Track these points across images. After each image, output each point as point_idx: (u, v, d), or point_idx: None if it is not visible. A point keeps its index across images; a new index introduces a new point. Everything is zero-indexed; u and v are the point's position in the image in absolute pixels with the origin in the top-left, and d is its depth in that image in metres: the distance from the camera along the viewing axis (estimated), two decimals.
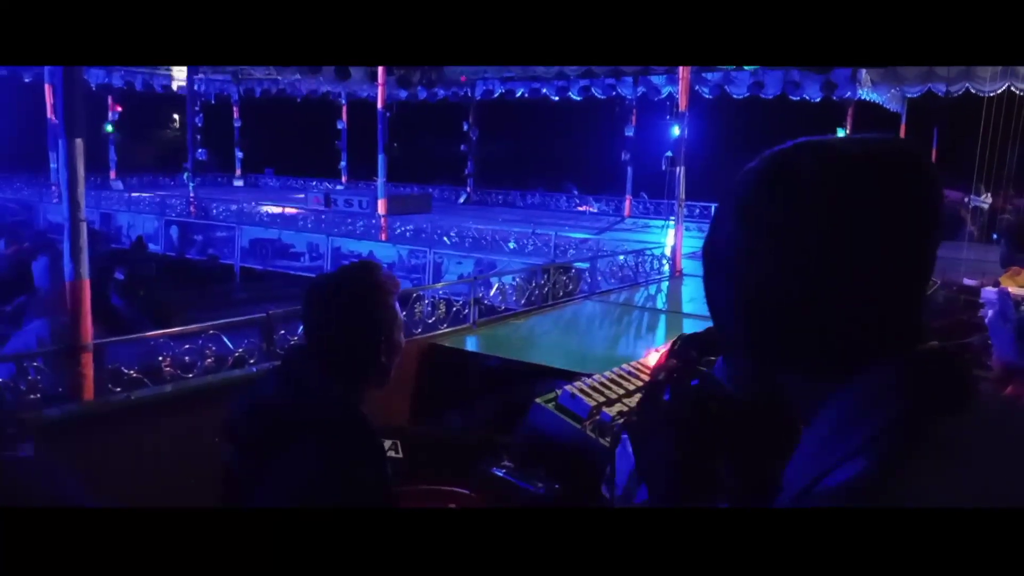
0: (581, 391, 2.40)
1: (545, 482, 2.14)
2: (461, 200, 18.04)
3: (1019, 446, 0.67)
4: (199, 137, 13.97)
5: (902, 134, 14.12)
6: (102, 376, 2.80)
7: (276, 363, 2.87)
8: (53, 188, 15.05)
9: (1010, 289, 2.29)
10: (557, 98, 15.77)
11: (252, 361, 3.32)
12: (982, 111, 8.44)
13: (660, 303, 6.09)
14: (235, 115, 19.65)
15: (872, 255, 0.66)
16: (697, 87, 12.67)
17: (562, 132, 20.25)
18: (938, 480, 0.60)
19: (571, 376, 2.85)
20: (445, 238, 10.87)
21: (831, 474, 0.62)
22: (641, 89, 14.56)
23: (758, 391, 0.79)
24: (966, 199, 12.44)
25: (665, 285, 6.72)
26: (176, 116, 26.21)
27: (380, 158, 10.74)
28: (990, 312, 2.10)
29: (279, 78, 17.30)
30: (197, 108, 14.56)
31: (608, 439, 2.24)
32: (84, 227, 2.69)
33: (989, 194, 13.03)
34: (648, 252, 7.18)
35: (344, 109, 18.90)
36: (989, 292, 2.18)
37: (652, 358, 2.66)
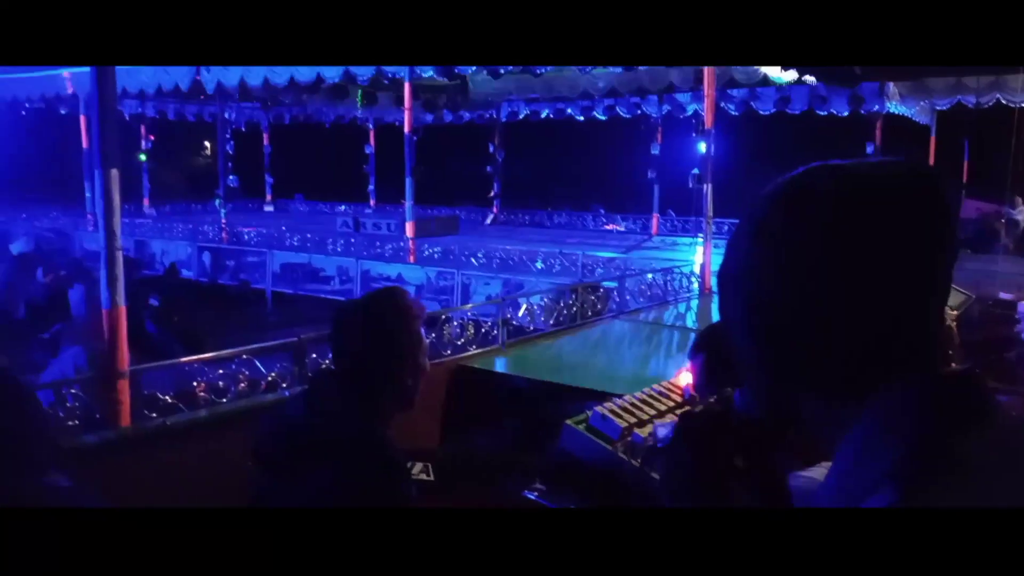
0: (612, 412, 2.39)
1: (577, 504, 2.13)
2: (488, 221, 18.10)
3: None
4: (230, 164, 14.19)
5: (932, 147, 13.95)
6: (138, 402, 2.84)
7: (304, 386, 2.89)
8: (88, 217, 15.35)
9: None
10: (582, 118, 15.81)
11: (285, 385, 3.35)
12: (1014, 122, 8.32)
13: (690, 321, 6.05)
14: (265, 142, 19.94)
15: (887, 277, 0.66)
16: (723, 104, 12.63)
17: (587, 151, 20.27)
18: (964, 504, 0.59)
19: (601, 396, 2.84)
20: (472, 259, 10.90)
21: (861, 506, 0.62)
22: (666, 107, 14.55)
23: (776, 414, 0.79)
24: (1000, 212, 12.23)
25: (695, 303, 6.68)
26: (207, 144, 26.65)
27: (408, 181, 10.83)
28: None
29: (307, 105, 17.55)
30: (228, 136, 14.80)
31: (640, 460, 2.22)
32: (120, 255, 2.75)
33: None
34: (677, 270, 7.15)
35: (371, 134, 19.11)
36: None
37: (684, 378, 2.64)
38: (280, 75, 11.10)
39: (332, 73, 10.97)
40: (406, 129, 10.95)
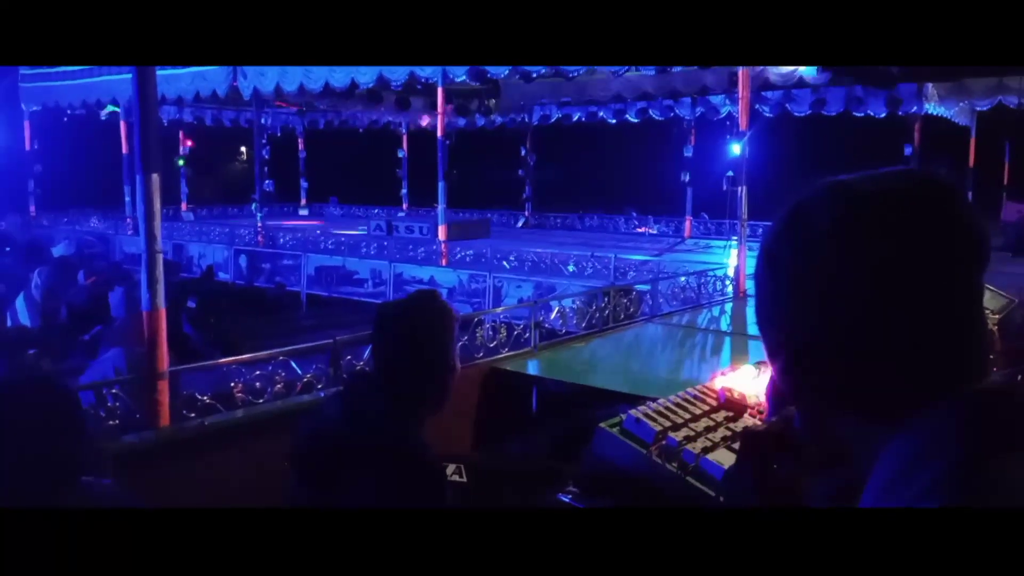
0: (646, 416, 2.38)
1: (611, 507, 2.12)
2: (519, 224, 18.13)
3: None
4: (266, 169, 14.38)
5: (972, 149, 13.68)
6: (177, 403, 2.89)
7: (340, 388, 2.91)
8: (128, 221, 15.65)
9: None
10: (614, 121, 15.76)
11: (320, 386, 3.38)
12: None
13: (724, 325, 5.99)
14: (300, 147, 20.18)
15: (904, 294, 0.64)
16: (757, 106, 12.51)
17: (619, 154, 20.22)
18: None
19: (634, 400, 2.82)
20: (504, 262, 10.92)
21: None
22: (700, 109, 14.46)
23: (817, 436, 0.77)
24: None
25: (729, 306, 6.62)
26: (243, 149, 27.05)
27: (440, 185, 10.89)
28: None
29: (342, 110, 17.73)
30: (264, 141, 15.01)
31: (675, 464, 2.21)
32: (160, 258, 2.80)
33: None
34: (711, 273, 7.10)
35: (404, 138, 19.25)
36: None
37: (718, 381, 2.62)
38: (315, 80, 11.22)
39: (366, 78, 11.06)
40: (439, 133, 11.01)
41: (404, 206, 19.77)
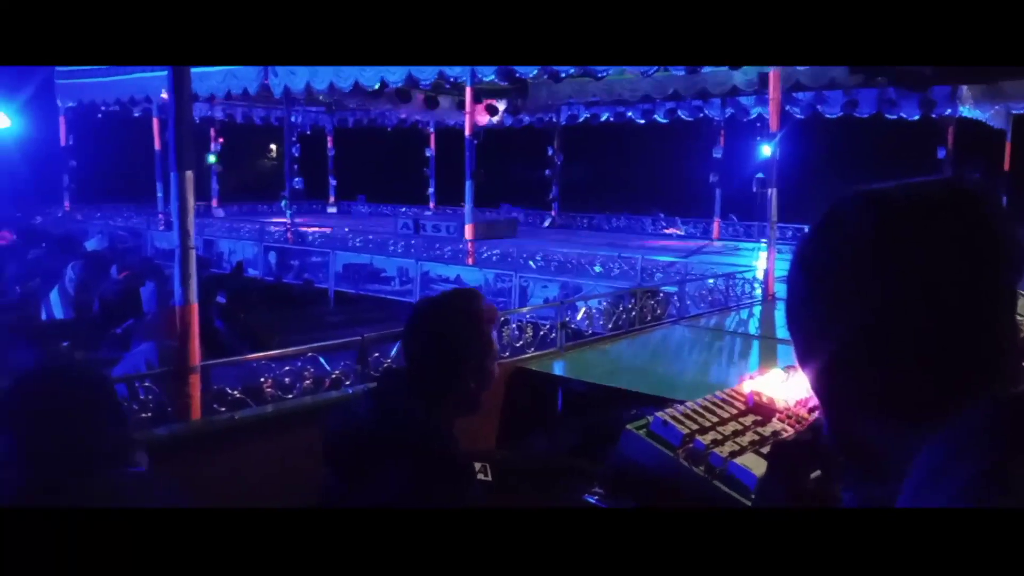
0: (673, 418, 2.37)
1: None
2: (546, 224, 18.12)
3: None
4: (296, 166, 14.50)
5: (1007, 152, 13.44)
6: (207, 396, 2.92)
7: (370, 384, 2.93)
8: (160, 216, 15.87)
9: None
10: (643, 121, 15.70)
11: (348, 383, 3.41)
12: None
13: (752, 328, 5.95)
14: (329, 145, 20.34)
15: (933, 301, 0.65)
16: (788, 107, 12.40)
17: (647, 155, 20.13)
18: None
19: (660, 402, 2.81)
20: (531, 262, 10.92)
21: None
22: (729, 110, 14.36)
23: (846, 442, 0.77)
24: None
25: (758, 309, 6.57)
26: (273, 147, 27.31)
27: (468, 184, 10.91)
28: None
29: (371, 108, 17.84)
30: (294, 139, 15.14)
31: (702, 468, 2.20)
32: (193, 254, 2.84)
33: None
34: (739, 275, 7.04)
35: (432, 137, 19.33)
36: None
37: (747, 385, 2.61)
38: (345, 79, 11.30)
39: (395, 77, 11.12)
40: (467, 132, 11.03)
41: (431, 205, 19.84)
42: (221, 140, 19.39)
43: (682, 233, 16.28)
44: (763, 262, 7.27)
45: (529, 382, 4.03)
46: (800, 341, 0.74)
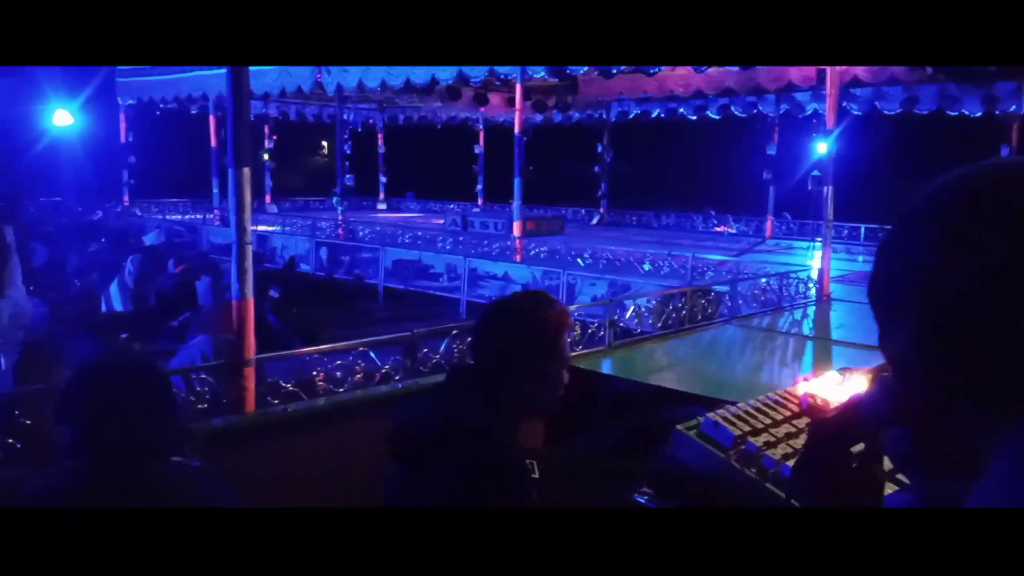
0: (725, 419, 2.33)
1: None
2: (594, 221, 18.04)
3: None
4: (347, 163, 14.67)
5: None
6: (261, 389, 2.98)
7: (424, 380, 2.96)
8: (215, 212, 16.22)
9: None
10: (695, 117, 15.51)
11: (397, 377, 3.44)
12: None
13: (806, 329, 5.84)
14: (380, 142, 20.54)
15: None
16: (845, 103, 12.12)
17: (699, 152, 19.90)
18: None
19: (711, 403, 2.77)
20: (579, 259, 10.88)
21: None
22: (784, 106, 14.10)
23: (932, 425, 0.75)
24: None
25: (812, 310, 6.44)
26: (324, 143, 27.70)
27: (516, 181, 10.91)
28: None
29: (421, 106, 17.96)
30: (346, 136, 15.32)
31: (754, 470, 2.17)
32: (250, 249, 2.89)
33: None
34: (793, 275, 6.91)
35: (481, 134, 19.38)
36: None
37: (801, 387, 2.55)
38: (397, 77, 11.39)
39: (446, 74, 11.18)
40: (516, 129, 11.03)
41: (479, 202, 19.91)
42: (275, 137, 19.74)
43: (733, 231, 16.05)
44: (818, 261, 7.13)
45: (577, 380, 4.01)
46: (891, 321, 0.71)
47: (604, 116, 17.27)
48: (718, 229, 16.37)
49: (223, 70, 2.91)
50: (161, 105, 16.75)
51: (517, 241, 11.18)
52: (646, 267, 10.19)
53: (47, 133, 15.17)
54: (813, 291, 6.84)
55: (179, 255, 11.20)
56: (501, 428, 1.61)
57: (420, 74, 11.14)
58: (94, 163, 17.03)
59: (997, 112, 11.99)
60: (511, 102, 12.49)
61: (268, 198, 19.92)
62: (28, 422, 2.62)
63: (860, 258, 11.47)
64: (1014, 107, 11.73)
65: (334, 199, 14.32)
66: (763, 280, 6.64)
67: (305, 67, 12.15)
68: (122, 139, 17.54)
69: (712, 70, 11.79)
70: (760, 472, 2.15)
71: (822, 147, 7.62)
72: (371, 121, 20.49)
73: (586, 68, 10.83)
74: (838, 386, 2.53)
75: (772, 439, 2.27)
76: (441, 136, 20.90)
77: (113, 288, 9.11)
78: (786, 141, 14.56)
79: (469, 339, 1.72)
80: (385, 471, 1.68)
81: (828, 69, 7.59)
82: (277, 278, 10.17)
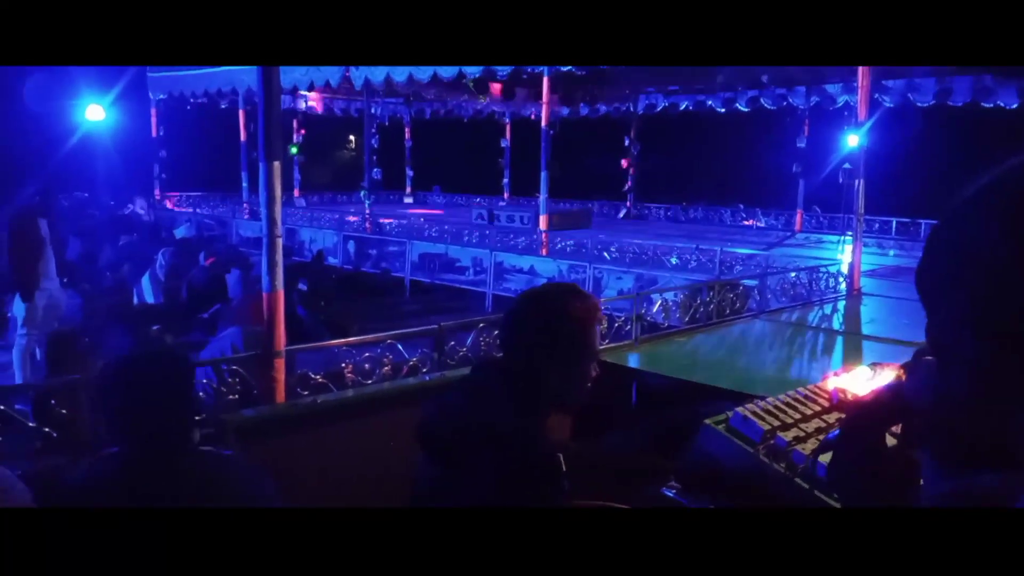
0: (754, 414, 2.32)
1: (717, 505, 2.08)
2: (621, 215, 17.96)
3: None
4: (374, 157, 14.74)
5: None
6: (291, 380, 3.01)
7: (452, 372, 2.97)
8: (244, 205, 16.38)
9: None
10: (723, 110, 15.37)
11: (425, 370, 3.46)
12: None
13: (836, 324, 5.77)
14: (407, 136, 20.61)
15: None
16: (877, 95, 11.94)
17: (727, 145, 19.70)
18: None
19: (739, 397, 2.76)
20: (605, 253, 10.84)
21: None
22: (815, 99, 13.93)
23: (979, 413, 0.74)
24: None
25: (842, 304, 6.37)
26: (352, 138, 27.84)
27: (543, 175, 10.90)
28: None
29: (448, 99, 17.98)
30: (373, 130, 15.38)
31: (783, 465, 2.15)
32: (280, 243, 2.92)
33: None
34: (823, 269, 6.83)
35: (508, 127, 19.37)
36: None
37: (831, 382, 2.53)
38: (424, 71, 11.42)
39: (473, 69, 11.19)
40: (543, 123, 11.01)
41: (505, 195, 19.90)
42: (303, 131, 19.88)
43: (762, 225, 15.91)
44: (848, 255, 7.04)
45: (603, 374, 4.01)
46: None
47: (631, 109, 17.18)
48: (746, 223, 16.23)
49: (253, 65, 2.93)
50: (191, 100, 16.94)
51: (543, 235, 11.17)
52: (673, 261, 10.13)
53: (80, 127, 15.39)
54: (843, 286, 6.76)
55: (209, 248, 11.33)
56: (530, 421, 1.60)
57: (447, 68, 11.16)
58: (126, 157, 17.26)
59: None
60: (538, 95, 12.46)
61: (297, 192, 20.08)
62: (64, 412, 2.67)
63: (891, 252, 11.32)
64: None
65: (362, 193, 14.40)
66: (792, 274, 6.58)
67: None
68: (153, 133, 17.76)
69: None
70: (789, 467, 2.13)
71: (853, 140, 7.52)
72: (398, 115, 20.56)
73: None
74: (869, 381, 2.50)
75: (802, 434, 2.25)
76: (468, 130, 20.91)
77: (145, 281, 9.24)
78: (816, 134, 14.38)
79: (496, 332, 1.72)
80: (414, 463, 1.68)
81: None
82: (305, 271, 10.25)
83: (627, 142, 17.64)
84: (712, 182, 19.53)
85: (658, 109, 16.65)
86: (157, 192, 18.04)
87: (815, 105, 14.11)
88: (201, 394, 2.81)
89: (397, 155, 20.39)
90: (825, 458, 2.05)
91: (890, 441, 0.91)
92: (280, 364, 2.91)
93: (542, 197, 11.04)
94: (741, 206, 16.80)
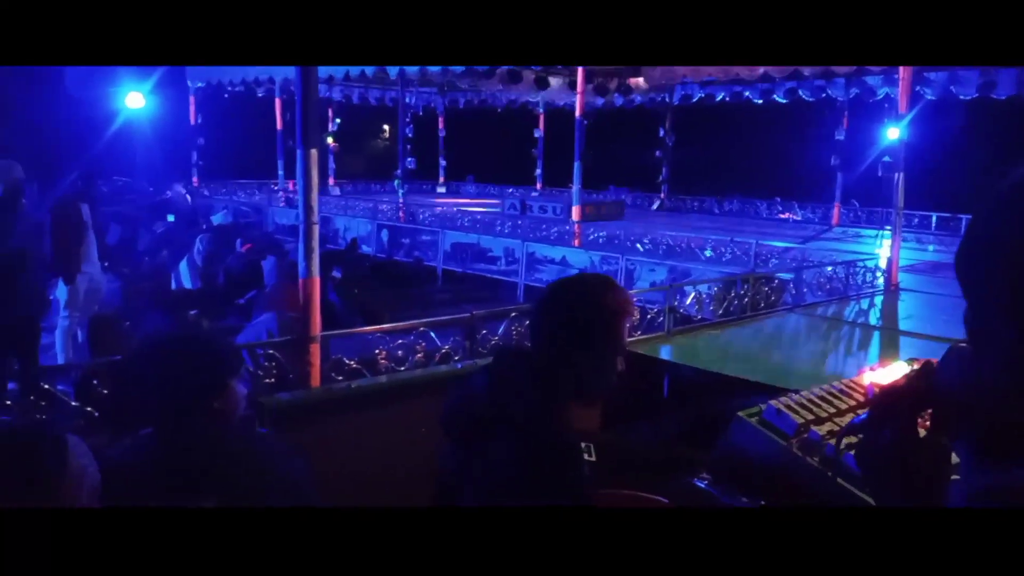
0: (787, 407, 2.30)
1: (749, 497, 2.07)
2: (654, 206, 17.84)
3: None
4: (408, 147, 14.79)
5: None
6: (326, 366, 3.05)
7: (483, 361, 2.98)
8: (280, 193, 16.54)
9: None
10: (761, 101, 15.17)
11: (457, 358, 3.49)
12: None
13: (873, 319, 5.69)
14: (440, 125, 20.64)
15: None
16: (918, 87, 11.71)
17: (764, 136, 19.46)
18: None
19: (772, 391, 2.73)
20: (638, 245, 10.78)
21: None
22: (854, 90, 13.69)
23: (1015, 407, 0.73)
24: None
25: (879, 299, 6.28)
26: (386, 127, 27.96)
27: (576, 165, 10.86)
28: None
29: (482, 89, 17.97)
30: (407, 120, 15.42)
31: (816, 459, 2.13)
32: (316, 229, 2.95)
33: None
34: (860, 263, 6.74)
35: (541, 118, 19.31)
36: None
37: (867, 377, 2.50)
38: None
39: None
40: (577, 113, 10.96)
41: (538, 186, 19.87)
42: (338, 120, 20.00)
43: (799, 218, 15.70)
44: (886, 250, 6.93)
45: (634, 366, 4.00)
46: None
47: (667, 99, 17.02)
48: (783, 216, 16.02)
49: None
50: (229, 88, 17.11)
51: (576, 226, 11.14)
52: (707, 253, 10.04)
53: (120, 114, 15.64)
54: (881, 280, 6.66)
55: (245, 235, 11.46)
56: (554, 410, 1.60)
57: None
58: (164, 144, 17.52)
59: None
60: (572, 85, 12.40)
61: (331, 180, 20.23)
62: (105, 391, 2.73)
63: (931, 248, 11.11)
64: None
65: (395, 182, 14.47)
66: (829, 268, 6.49)
67: None
68: (192, 121, 17.99)
69: None
70: (823, 461, 2.11)
71: (894, 132, 7.38)
72: (432, 105, 20.60)
73: None
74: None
75: (836, 428, 2.22)
76: (501, 120, 20.89)
77: (182, 266, 9.39)
78: (855, 126, 14.14)
79: (528, 320, 1.72)
80: (438, 449, 1.69)
81: None
82: (339, 259, 10.34)
83: (662, 133, 17.49)
84: (748, 174, 19.31)
85: (694, 100, 16.47)
86: (195, 179, 18.29)
87: (854, 97, 13.87)
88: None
89: (431, 144, 20.44)
90: (850, 440, 2.03)
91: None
92: (315, 349, 2.95)
93: (575, 187, 11.01)
94: (778, 199, 16.59)
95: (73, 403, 2.70)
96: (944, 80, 12.32)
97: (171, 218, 13.15)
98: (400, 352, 3.33)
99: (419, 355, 3.38)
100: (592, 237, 11.37)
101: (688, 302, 5.09)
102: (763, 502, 2.04)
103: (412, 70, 12.42)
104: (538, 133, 19.36)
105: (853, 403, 2.41)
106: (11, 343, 5.22)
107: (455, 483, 1.67)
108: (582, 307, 1.63)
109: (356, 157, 25.04)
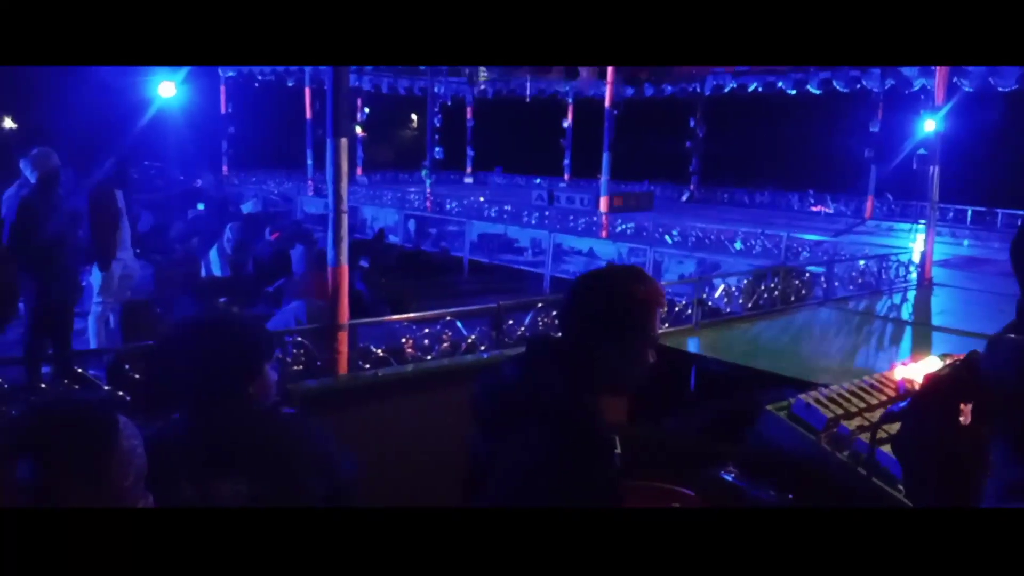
0: (817, 401, 2.27)
1: (776, 491, 2.06)
2: (684, 198, 17.72)
3: None
4: (436, 136, 14.81)
5: None
6: (353, 354, 3.07)
7: (512, 351, 2.98)
8: (309, 182, 16.65)
9: None
10: (794, 92, 14.97)
11: (483, 348, 3.49)
12: None
13: (905, 314, 5.61)
14: (468, 115, 20.64)
15: None
16: (956, 79, 11.48)
17: (797, 128, 19.20)
18: None
19: (801, 385, 2.71)
20: (667, 236, 10.72)
21: None
22: (890, 81, 13.46)
23: None
24: None
25: (912, 294, 6.18)
26: (414, 117, 28.01)
27: (605, 156, 10.81)
28: None
29: (510, 79, 17.94)
30: (436, 110, 15.44)
31: (845, 453, 2.11)
32: (345, 218, 2.96)
33: None
34: (893, 258, 6.63)
35: (570, 108, 19.23)
36: None
37: (899, 372, 2.46)
38: None
39: None
40: (607, 103, 10.90)
41: (566, 176, 19.81)
42: (366, 110, 20.08)
43: (831, 211, 15.51)
44: (920, 244, 6.82)
45: (663, 358, 3.97)
46: None
47: (698, 90, 16.87)
48: (815, 209, 15.83)
49: None
50: (259, 78, 17.25)
51: (603, 217, 11.10)
52: (737, 246, 9.96)
53: (152, 103, 15.84)
54: (914, 275, 6.55)
55: (275, 223, 11.57)
56: (585, 400, 1.60)
57: None
58: (195, 133, 17.70)
59: None
60: (602, 75, 12.34)
61: (359, 170, 20.33)
62: (136, 376, 2.77)
63: (965, 242, 10.91)
64: None
65: (423, 172, 14.51)
66: (861, 262, 6.40)
67: None
68: (222, 110, 18.15)
69: None
70: (852, 456, 2.09)
71: (930, 125, 7.24)
72: (460, 95, 20.60)
73: None
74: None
75: (866, 423, 2.20)
76: (530, 110, 20.83)
77: (213, 253, 9.49)
78: (890, 118, 13.91)
79: (555, 312, 1.71)
80: (467, 438, 1.69)
81: None
82: (367, 248, 10.40)
83: (692, 123, 17.35)
84: (780, 166, 19.08)
85: (726, 90, 16.29)
86: (225, 167, 18.47)
87: (890, 88, 13.65)
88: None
89: (459, 134, 20.45)
90: (890, 428, 2.01)
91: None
92: (343, 337, 2.97)
93: (603, 178, 10.96)
94: (810, 191, 16.39)
95: (105, 387, 2.75)
96: (983, 72, 12.07)
97: (201, 206, 13.30)
98: (426, 341, 3.34)
99: (445, 344, 3.39)
100: (620, 228, 11.32)
101: (717, 295, 5.05)
102: (791, 496, 2.02)
103: None
104: (566, 123, 19.29)
105: (884, 398, 2.38)
106: (46, 328, 5.32)
107: (483, 471, 1.67)
108: (614, 298, 1.62)
109: (384, 147, 25.12)
